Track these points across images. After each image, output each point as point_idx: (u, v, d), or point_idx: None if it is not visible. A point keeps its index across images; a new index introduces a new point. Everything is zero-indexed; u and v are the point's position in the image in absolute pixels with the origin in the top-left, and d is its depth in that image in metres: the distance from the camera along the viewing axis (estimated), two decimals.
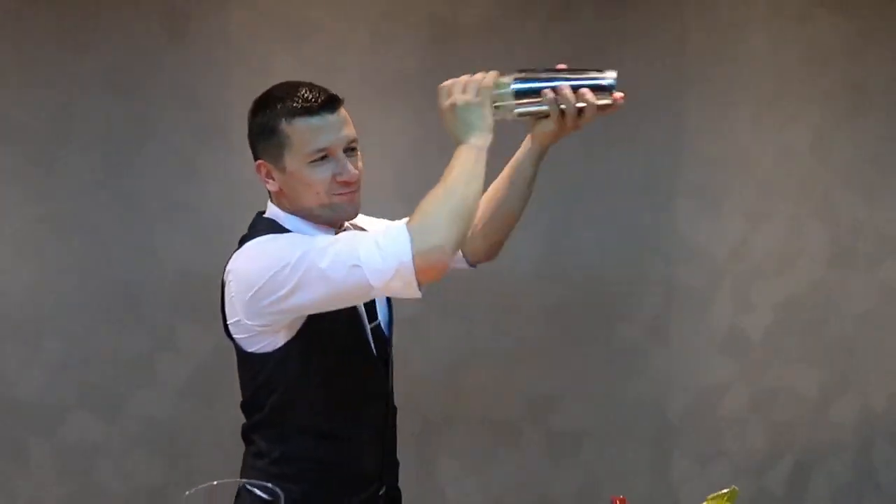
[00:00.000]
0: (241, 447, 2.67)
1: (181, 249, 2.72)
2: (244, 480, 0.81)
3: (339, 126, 1.54)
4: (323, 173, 1.53)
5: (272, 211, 1.64)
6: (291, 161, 1.53)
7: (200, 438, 2.78)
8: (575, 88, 1.55)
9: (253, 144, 1.61)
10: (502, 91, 1.55)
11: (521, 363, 2.97)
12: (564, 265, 2.96)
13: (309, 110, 1.51)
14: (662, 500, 3.06)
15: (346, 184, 1.55)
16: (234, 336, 1.60)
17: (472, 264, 1.86)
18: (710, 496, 1.37)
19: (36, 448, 2.70)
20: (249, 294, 1.48)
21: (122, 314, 2.71)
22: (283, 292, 1.44)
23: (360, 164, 1.60)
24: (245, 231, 1.65)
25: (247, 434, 1.71)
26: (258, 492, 0.99)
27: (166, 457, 2.78)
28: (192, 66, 2.67)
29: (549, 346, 2.98)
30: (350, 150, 1.57)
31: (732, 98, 3.03)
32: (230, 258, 1.58)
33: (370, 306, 1.66)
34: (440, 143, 2.82)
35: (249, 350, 1.59)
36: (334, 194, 1.55)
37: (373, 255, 1.38)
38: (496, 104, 1.55)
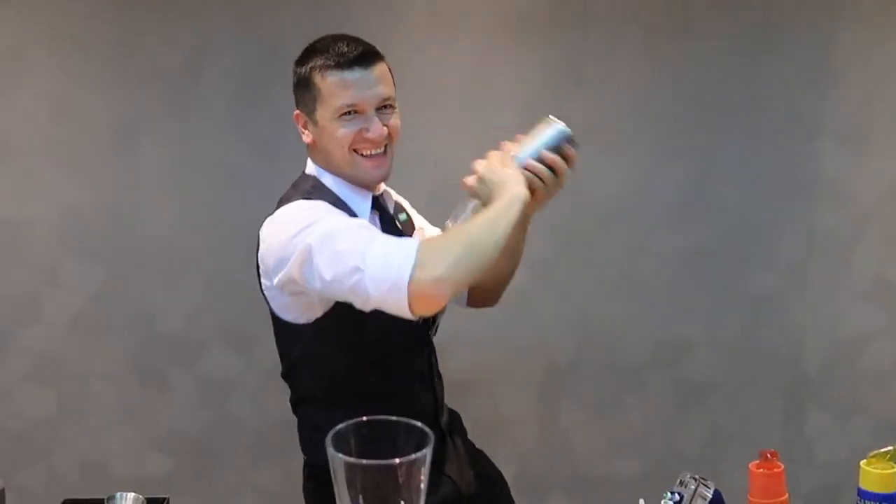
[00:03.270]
0: None
1: None
2: (395, 418, 0.80)
3: (373, 83, 1.53)
4: (349, 128, 1.53)
5: (311, 167, 1.66)
6: (322, 114, 1.55)
7: None
8: (542, 160, 1.52)
9: (294, 96, 1.65)
10: None
11: (649, 308, 2.89)
12: (699, 207, 2.85)
13: (341, 65, 1.51)
14: (796, 456, 2.94)
15: (371, 142, 1.53)
16: (269, 301, 1.63)
17: (468, 305, 1.87)
18: (871, 454, 1.29)
19: (176, 379, 2.83)
20: (271, 264, 1.52)
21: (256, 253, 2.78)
22: (294, 273, 1.45)
23: (395, 121, 1.57)
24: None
25: (296, 407, 1.74)
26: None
27: None
28: (321, 9, 2.68)
29: (680, 291, 2.89)
30: (384, 107, 1.55)
31: (886, 30, 2.80)
32: (267, 218, 1.60)
33: None
34: (565, 84, 2.79)
35: (284, 319, 1.61)
36: (358, 153, 1.55)
37: (377, 261, 1.35)
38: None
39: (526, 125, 2.76)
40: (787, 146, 2.85)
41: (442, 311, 1.69)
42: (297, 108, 1.63)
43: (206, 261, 2.79)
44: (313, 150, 1.64)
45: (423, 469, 0.80)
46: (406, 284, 1.32)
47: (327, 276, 1.39)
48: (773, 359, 2.95)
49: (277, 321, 1.66)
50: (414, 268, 1.32)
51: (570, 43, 2.76)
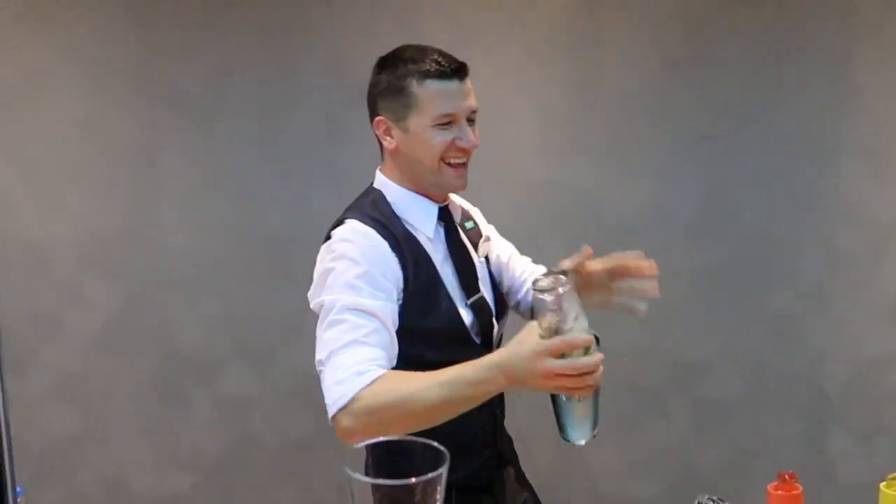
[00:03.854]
0: None
1: (330, 207, 2.78)
2: (411, 437, 0.80)
3: (466, 94, 1.57)
4: (444, 136, 1.55)
5: (381, 181, 1.67)
6: (417, 122, 1.56)
7: None
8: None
9: (374, 100, 1.64)
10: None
11: (668, 328, 2.88)
12: (718, 225, 2.85)
13: (442, 74, 1.54)
14: (817, 477, 2.91)
15: (463, 151, 1.57)
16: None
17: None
18: (890, 475, 1.28)
19: (196, 398, 2.85)
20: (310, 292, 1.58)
21: (275, 272, 2.81)
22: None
23: (477, 132, 1.61)
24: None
25: None
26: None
27: (314, 410, 2.88)
28: (339, 26, 2.71)
29: (699, 311, 2.88)
30: (471, 120, 1.59)
31: None
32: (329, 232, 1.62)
33: (469, 280, 1.65)
34: (586, 99, 2.80)
35: None
36: (447, 162, 1.57)
37: (329, 376, 1.41)
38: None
39: (543, 144, 2.79)
40: (806, 166, 2.84)
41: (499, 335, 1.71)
42: (380, 115, 1.62)
43: (226, 280, 2.81)
44: (392, 157, 1.64)
45: (439, 488, 0.80)
46: (331, 416, 1.40)
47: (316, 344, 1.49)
48: (793, 379, 2.92)
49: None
50: (341, 410, 1.38)
51: (588, 61, 2.78)
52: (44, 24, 2.67)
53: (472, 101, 1.57)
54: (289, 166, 2.77)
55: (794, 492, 1.52)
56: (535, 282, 1.30)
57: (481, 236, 1.77)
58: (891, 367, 2.94)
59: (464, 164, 1.60)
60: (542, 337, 1.27)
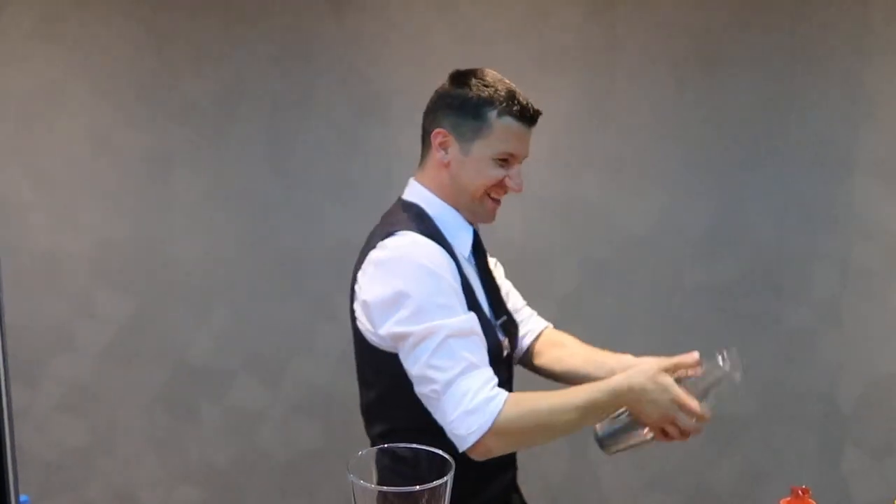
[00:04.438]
0: None
1: (342, 221, 2.79)
2: (416, 446, 0.80)
3: (529, 140, 1.61)
4: (498, 172, 1.57)
5: (417, 192, 1.62)
6: (479, 149, 1.57)
7: (358, 404, 2.84)
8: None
9: (440, 112, 1.61)
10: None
11: (680, 342, 2.85)
12: (731, 240, 2.83)
13: (521, 116, 1.57)
14: (831, 494, 2.88)
15: (508, 190, 1.60)
16: (360, 327, 1.55)
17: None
18: None
19: (205, 410, 2.85)
20: (374, 315, 1.49)
21: (285, 285, 2.81)
22: (392, 340, 1.48)
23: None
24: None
25: (378, 441, 1.66)
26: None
27: (323, 422, 2.87)
28: (351, 40, 2.72)
29: (712, 325, 2.86)
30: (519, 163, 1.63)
31: None
32: (369, 250, 1.54)
33: (498, 301, 1.68)
34: (595, 114, 2.80)
35: (373, 343, 1.53)
36: (490, 196, 1.60)
37: (455, 403, 1.42)
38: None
39: (555, 158, 2.78)
40: (819, 180, 2.82)
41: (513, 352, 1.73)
42: (443, 127, 1.59)
43: (236, 292, 2.82)
44: (437, 170, 1.61)
45: (444, 497, 0.80)
46: (471, 443, 1.42)
47: (413, 370, 1.46)
48: (806, 395, 2.89)
49: (367, 349, 1.56)
50: (486, 434, 1.41)
51: (599, 76, 2.78)
52: (58, 38, 2.69)
53: (528, 148, 1.62)
54: (300, 179, 2.78)
55: None
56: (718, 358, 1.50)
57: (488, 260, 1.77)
58: None
59: (499, 201, 1.63)
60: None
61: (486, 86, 1.57)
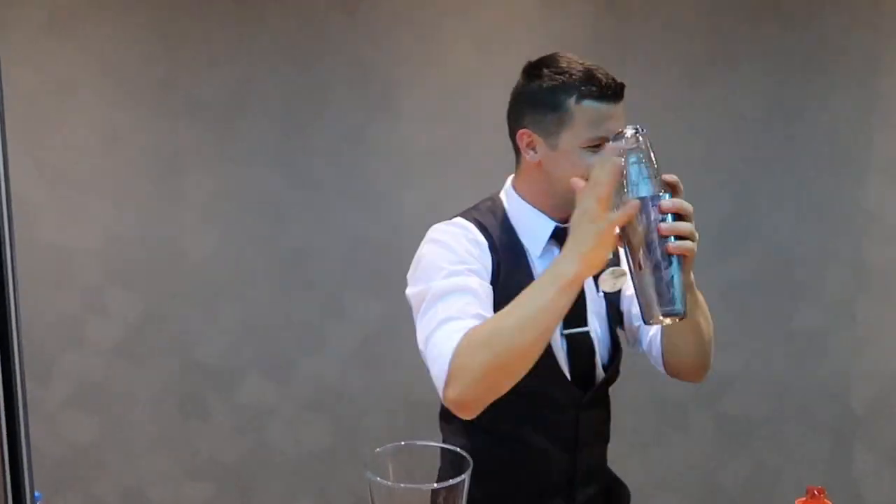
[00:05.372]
0: (405, 410, 2.72)
1: (351, 219, 2.79)
2: (433, 443, 0.79)
3: (620, 117, 1.48)
4: (592, 160, 1.43)
5: (506, 189, 1.57)
6: (567, 140, 1.46)
7: (367, 402, 2.84)
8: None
9: (519, 111, 1.53)
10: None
11: None
12: (745, 240, 2.82)
13: (602, 95, 1.45)
14: (843, 496, 2.86)
15: None
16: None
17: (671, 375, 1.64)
18: None
19: (215, 408, 2.85)
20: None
21: (296, 282, 2.81)
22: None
23: None
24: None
25: (441, 425, 1.65)
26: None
27: (332, 420, 2.87)
28: (362, 37, 2.72)
29: (724, 325, 2.83)
30: None
31: None
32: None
33: (577, 311, 1.48)
34: None
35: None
36: None
37: (430, 356, 1.33)
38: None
39: None
40: (833, 180, 2.81)
41: (611, 378, 1.58)
42: (526, 126, 1.50)
43: (246, 290, 2.81)
44: (529, 171, 1.53)
45: (461, 496, 0.79)
46: (446, 397, 1.29)
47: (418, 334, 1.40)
48: (819, 396, 2.88)
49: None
50: (445, 385, 1.28)
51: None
52: (69, 35, 2.69)
53: (623, 124, 1.44)
54: (311, 177, 2.78)
55: None
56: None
57: (612, 266, 1.56)
58: None
59: None
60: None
61: (559, 72, 1.47)
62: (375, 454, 0.81)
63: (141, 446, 2.85)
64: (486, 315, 1.35)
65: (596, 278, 1.49)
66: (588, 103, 1.45)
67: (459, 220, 1.51)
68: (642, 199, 1.23)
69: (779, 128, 2.78)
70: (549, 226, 1.53)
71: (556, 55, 1.52)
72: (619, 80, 1.48)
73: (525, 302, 1.27)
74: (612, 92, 1.46)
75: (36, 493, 1.13)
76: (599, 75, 1.46)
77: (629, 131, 1.26)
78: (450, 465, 0.83)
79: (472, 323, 1.32)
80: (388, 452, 0.82)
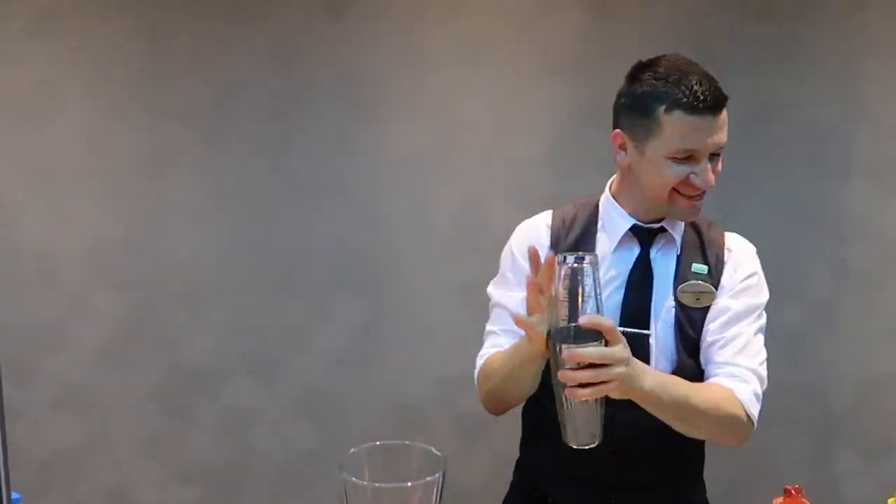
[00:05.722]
0: (391, 412, 2.72)
1: (337, 222, 2.79)
2: (408, 443, 0.80)
3: (715, 130, 1.42)
4: (679, 171, 1.44)
5: (607, 186, 1.63)
6: (654, 149, 1.44)
7: (353, 404, 2.85)
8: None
9: (617, 112, 1.52)
10: None
11: None
12: None
13: (695, 109, 1.39)
14: (824, 494, 2.88)
15: (696, 188, 1.46)
16: None
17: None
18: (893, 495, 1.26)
19: (200, 410, 2.84)
20: None
21: (281, 284, 2.81)
22: None
23: (720, 167, 1.49)
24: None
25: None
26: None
27: (318, 422, 2.87)
28: (348, 43, 2.72)
29: None
30: (715, 154, 1.46)
31: None
32: None
33: (635, 313, 1.50)
34: (595, 116, 2.79)
35: None
36: (678, 194, 1.47)
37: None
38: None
39: (554, 158, 2.78)
40: (815, 181, 2.83)
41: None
42: (620, 128, 1.50)
43: (231, 292, 2.81)
44: (622, 173, 1.56)
45: (434, 493, 0.80)
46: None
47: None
48: (800, 396, 2.90)
49: None
50: (477, 383, 1.59)
51: (599, 76, 2.77)
52: (53, 36, 2.68)
53: (720, 137, 1.43)
54: (297, 180, 2.78)
55: None
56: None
57: (701, 280, 1.57)
58: None
59: (700, 196, 1.49)
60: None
61: (658, 78, 1.43)
62: (351, 455, 0.82)
63: (126, 449, 2.84)
64: (519, 332, 1.35)
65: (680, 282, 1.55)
66: (678, 114, 1.40)
67: (538, 216, 1.65)
68: (549, 334, 1.17)
69: (761, 129, 2.80)
70: (628, 222, 1.54)
71: (665, 57, 1.47)
72: (720, 90, 1.41)
73: (509, 357, 1.43)
74: (704, 105, 1.39)
75: (15, 495, 1.13)
76: (694, 85, 1.39)
77: (570, 258, 1.14)
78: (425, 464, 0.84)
79: (501, 340, 1.55)
80: (363, 452, 0.82)
